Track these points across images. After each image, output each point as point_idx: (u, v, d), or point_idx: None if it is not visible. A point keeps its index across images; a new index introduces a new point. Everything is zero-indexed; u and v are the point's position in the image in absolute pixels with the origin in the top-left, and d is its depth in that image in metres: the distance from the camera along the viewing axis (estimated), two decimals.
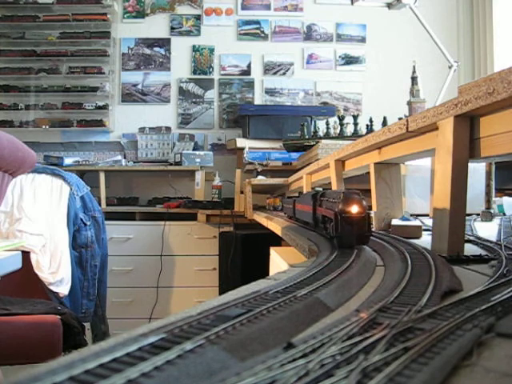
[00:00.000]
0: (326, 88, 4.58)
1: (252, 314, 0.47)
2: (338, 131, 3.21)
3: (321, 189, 2.68)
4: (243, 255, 3.42)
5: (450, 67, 3.50)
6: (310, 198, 1.27)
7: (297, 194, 2.40)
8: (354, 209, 0.93)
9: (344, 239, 0.93)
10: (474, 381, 0.35)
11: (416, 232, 1.39)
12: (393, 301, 0.56)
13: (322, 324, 0.51)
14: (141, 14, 4.56)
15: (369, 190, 1.68)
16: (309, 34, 4.61)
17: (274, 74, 4.59)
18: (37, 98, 4.38)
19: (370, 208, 1.69)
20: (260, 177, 3.50)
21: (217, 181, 4.01)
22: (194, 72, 4.57)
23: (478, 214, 2.07)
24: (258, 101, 4.55)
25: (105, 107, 4.36)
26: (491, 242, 1.19)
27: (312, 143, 3.06)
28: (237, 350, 0.40)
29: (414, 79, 3.05)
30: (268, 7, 4.61)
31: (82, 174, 3.70)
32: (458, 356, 0.38)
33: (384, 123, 2.92)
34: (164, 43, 4.57)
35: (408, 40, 4.43)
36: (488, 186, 2.21)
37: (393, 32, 4.52)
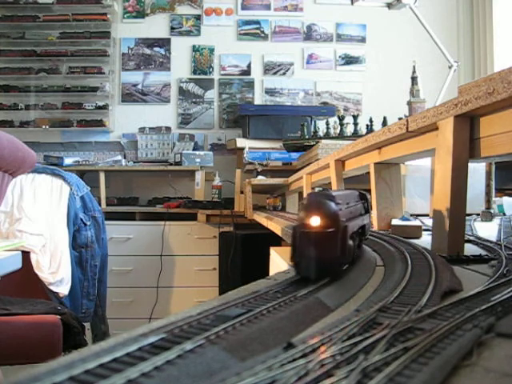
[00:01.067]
0: (326, 88, 4.58)
1: (252, 314, 0.47)
2: (338, 131, 3.21)
3: (318, 188, 2.69)
4: (243, 255, 3.42)
5: (450, 67, 3.50)
6: None
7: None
8: (315, 221, 0.63)
9: (301, 266, 0.64)
10: (473, 381, 0.35)
11: (416, 232, 1.39)
12: (393, 301, 0.56)
13: (322, 324, 0.51)
14: (141, 14, 4.56)
15: (369, 190, 1.68)
16: (309, 34, 4.61)
17: (274, 74, 4.59)
18: (37, 98, 4.38)
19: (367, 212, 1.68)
20: (260, 177, 3.50)
21: (217, 181, 4.01)
22: (194, 72, 4.57)
23: (478, 214, 2.07)
24: (258, 101, 4.55)
25: (105, 107, 4.36)
26: (491, 242, 1.19)
27: (312, 143, 3.06)
28: (237, 350, 0.40)
29: (413, 79, 3.05)
30: (268, 7, 4.61)
31: (82, 174, 3.70)
32: (458, 356, 0.38)
33: (384, 123, 2.92)
34: (164, 43, 4.57)
35: (408, 40, 4.43)
36: (488, 185, 2.21)
37: (393, 32, 4.52)
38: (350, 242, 0.67)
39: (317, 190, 2.61)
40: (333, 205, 0.64)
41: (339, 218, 0.64)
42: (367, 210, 0.96)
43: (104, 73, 4.38)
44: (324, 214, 0.63)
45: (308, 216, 0.63)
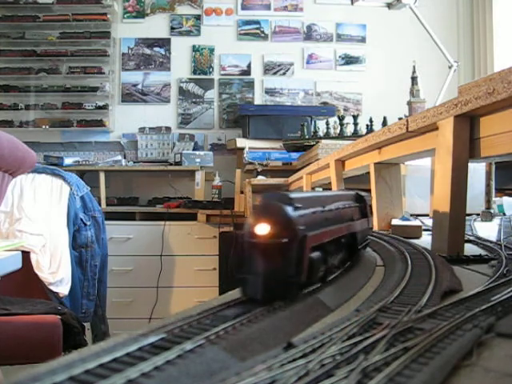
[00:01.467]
0: (326, 88, 4.58)
1: (252, 314, 0.47)
2: (338, 131, 3.21)
3: (319, 189, 2.68)
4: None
5: (450, 67, 3.50)
6: None
7: None
8: (262, 229, 0.52)
9: (246, 283, 0.53)
10: (473, 381, 0.35)
11: (416, 232, 1.39)
12: (393, 301, 0.56)
13: (321, 324, 0.51)
14: (141, 14, 4.56)
15: (369, 190, 1.68)
16: (309, 34, 4.61)
17: (274, 74, 4.59)
18: (37, 98, 4.38)
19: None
20: (260, 177, 3.50)
21: (217, 181, 4.01)
22: (194, 72, 4.57)
23: (478, 214, 2.07)
24: (258, 101, 4.55)
25: (105, 107, 4.36)
26: (491, 241, 1.19)
27: (312, 143, 3.06)
28: (237, 350, 0.40)
29: (413, 79, 3.05)
30: (268, 7, 4.61)
31: (82, 174, 3.70)
32: (458, 356, 0.38)
33: (384, 123, 2.92)
34: (164, 43, 4.57)
35: (408, 40, 4.43)
36: (488, 185, 2.21)
37: (393, 32, 4.52)
38: (316, 256, 0.56)
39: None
40: (288, 209, 0.53)
41: (295, 225, 0.52)
42: (365, 214, 0.86)
43: (104, 73, 4.37)
44: (275, 220, 0.52)
45: (256, 222, 0.53)
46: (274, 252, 0.52)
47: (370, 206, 0.93)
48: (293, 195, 0.56)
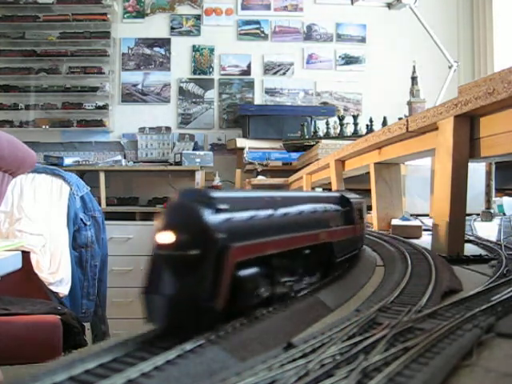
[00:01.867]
0: (326, 88, 4.58)
1: (252, 314, 0.47)
2: (338, 131, 3.21)
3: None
4: None
5: (450, 67, 3.50)
6: None
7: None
8: (167, 237, 0.41)
9: (149, 306, 0.42)
10: (474, 381, 0.35)
11: (416, 232, 1.39)
12: (393, 301, 0.56)
13: (321, 324, 0.51)
14: (141, 14, 4.56)
15: (369, 190, 1.68)
16: (309, 34, 4.61)
17: (274, 74, 4.59)
18: (37, 98, 4.38)
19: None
20: (260, 177, 3.50)
21: (217, 181, 4.01)
22: (194, 72, 4.57)
23: (478, 214, 2.07)
24: (258, 101, 4.55)
25: (105, 107, 4.36)
26: (491, 242, 1.19)
27: (312, 143, 3.07)
28: (237, 350, 0.40)
29: (413, 79, 3.05)
30: (268, 7, 4.61)
31: (82, 174, 3.69)
32: (458, 356, 0.38)
33: (384, 123, 2.92)
34: (164, 43, 4.57)
35: (408, 40, 4.42)
36: (488, 185, 2.21)
37: (393, 32, 4.52)
38: (248, 273, 0.44)
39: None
40: (204, 211, 0.42)
41: (211, 232, 0.41)
42: (350, 220, 0.73)
43: (104, 73, 4.37)
44: (184, 225, 0.41)
45: (160, 229, 0.42)
46: (181, 267, 0.40)
47: (360, 210, 0.80)
48: (216, 193, 0.44)
